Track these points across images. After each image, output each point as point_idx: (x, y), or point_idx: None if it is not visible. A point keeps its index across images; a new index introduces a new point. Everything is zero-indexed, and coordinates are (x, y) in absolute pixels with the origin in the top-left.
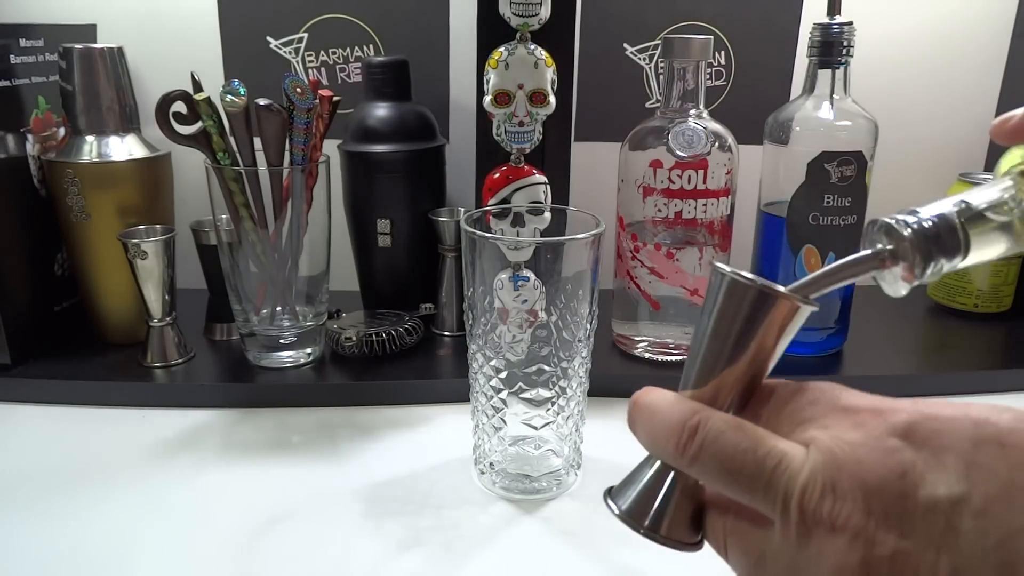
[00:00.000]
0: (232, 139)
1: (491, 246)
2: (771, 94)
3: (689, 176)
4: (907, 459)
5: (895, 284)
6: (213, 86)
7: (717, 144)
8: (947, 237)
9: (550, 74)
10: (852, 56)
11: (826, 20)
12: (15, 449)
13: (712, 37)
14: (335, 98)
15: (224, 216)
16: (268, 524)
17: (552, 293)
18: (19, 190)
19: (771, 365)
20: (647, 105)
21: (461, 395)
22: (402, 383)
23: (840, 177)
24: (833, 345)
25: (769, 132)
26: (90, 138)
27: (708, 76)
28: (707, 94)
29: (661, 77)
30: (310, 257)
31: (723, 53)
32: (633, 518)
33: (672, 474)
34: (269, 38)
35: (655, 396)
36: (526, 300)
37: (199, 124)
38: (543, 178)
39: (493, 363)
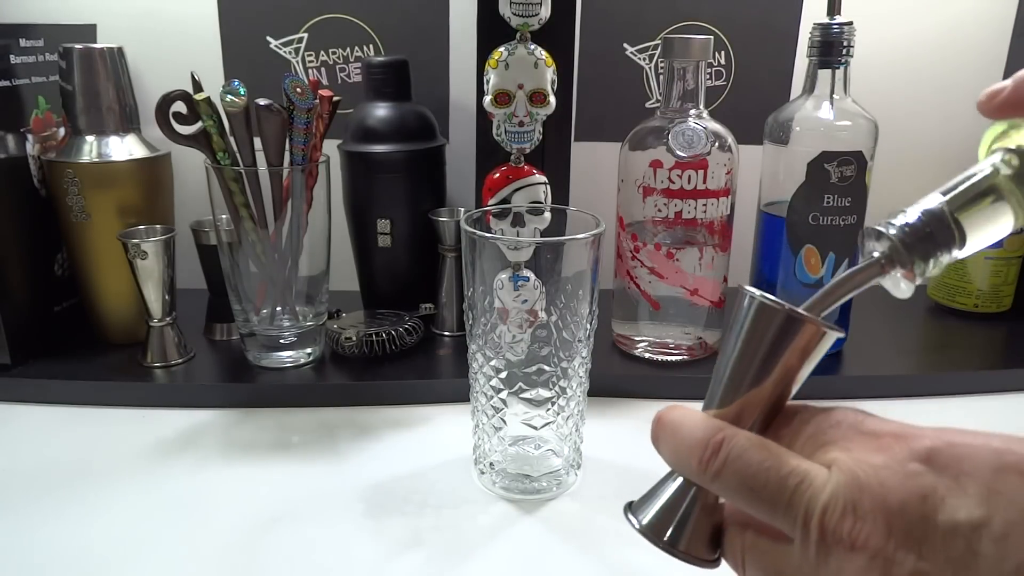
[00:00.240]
0: (232, 139)
1: (491, 246)
2: (771, 94)
3: (689, 176)
4: (928, 483)
5: (899, 287)
6: (213, 86)
7: (717, 144)
8: (939, 231)
9: (550, 74)
10: (852, 56)
11: (826, 20)
12: (15, 449)
13: (712, 37)
14: (335, 98)
15: (224, 216)
16: (268, 524)
17: (552, 293)
18: (19, 190)
19: (796, 388)
20: (647, 105)
21: (461, 395)
22: (402, 383)
23: (840, 177)
24: (833, 345)
25: (769, 132)
26: (90, 138)
27: (708, 76)
28: (707, 94)
29: (661, 77)
30: (310, 257)
31: (723, 53)
32: (653, 533)
33: (693, 490)
34: (269, 38)
35: (679, 413)
36: (526, 300)
37: (199, 124)
38: (543, 178)
39: (493, 363)
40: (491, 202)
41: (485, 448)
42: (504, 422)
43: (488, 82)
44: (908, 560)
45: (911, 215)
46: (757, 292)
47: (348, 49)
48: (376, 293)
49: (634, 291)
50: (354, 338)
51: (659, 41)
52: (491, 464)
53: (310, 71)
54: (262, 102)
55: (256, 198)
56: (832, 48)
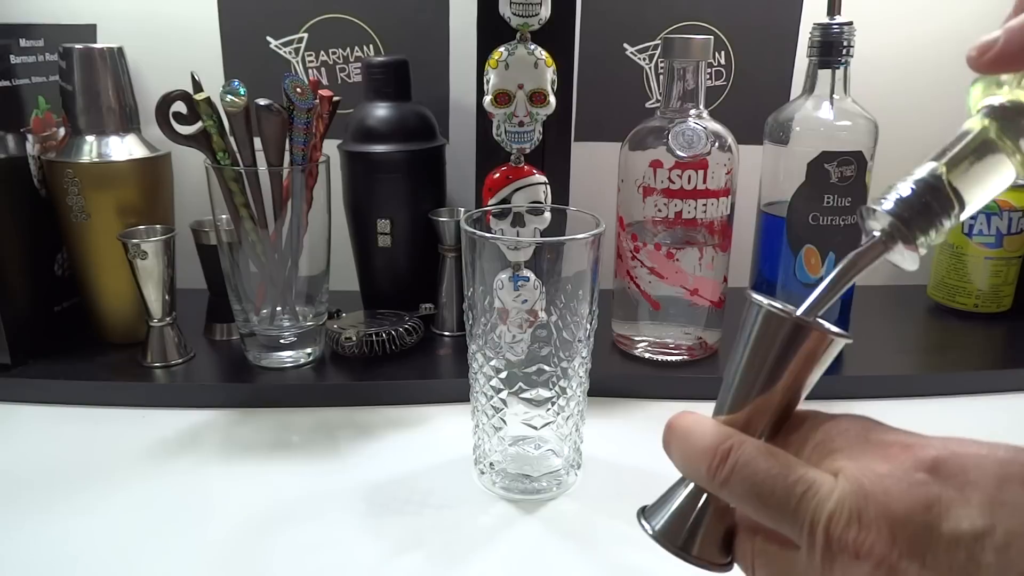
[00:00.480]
0: (232, 139)
1: (491, 246)
2: (771, 94)
3: (689, 176)
4: (933, 492)
5: (906, 259)
6: (213, 86)
7: (717, 144)
8: (936, 199)
9: (550, 74)
10: (852, 56)
11: (826, 20)
12: (15, 449)
13: (712, 37)
14: (335, 98)
15: (224, 216)
16: (268, 524)
17: (552, 293)
18: (19, 190)
19: (804, 394)
20: (647, 105)
21: (461, 395)
22: (402, 383)
23: (840, 177)
24: None
25: (769, 132)
26: (90, 138)
27: (708, 76)
28: (707, 94)
29: (661, 77)
30: (310, 257)
31: (723, 53)
32: (666, 538)
33: (705, 496)
34: (269, 38)
35: (690, 420)
36: (526, 300)
37: (199, 124)
38: (543, 178)
39: (493, 363)
40: (491, 202)
41: (485, 448)
42: (504, 422)
43: (488, 82)
44: (912, 569)
45: (904, 188)
46: (764, 300)
47: (348, 49)
48: (376, 293)
49: (634, 291)
50: (354, 338)
51: (659, 41)
52: (491, 464)
53: (310, 71)
54: (262, 102)
55: (256, 198)
56: (832, 48)
